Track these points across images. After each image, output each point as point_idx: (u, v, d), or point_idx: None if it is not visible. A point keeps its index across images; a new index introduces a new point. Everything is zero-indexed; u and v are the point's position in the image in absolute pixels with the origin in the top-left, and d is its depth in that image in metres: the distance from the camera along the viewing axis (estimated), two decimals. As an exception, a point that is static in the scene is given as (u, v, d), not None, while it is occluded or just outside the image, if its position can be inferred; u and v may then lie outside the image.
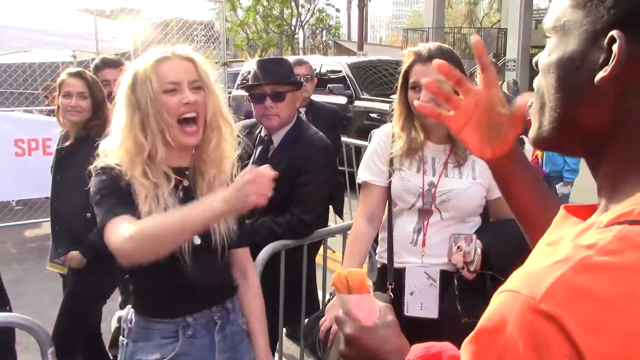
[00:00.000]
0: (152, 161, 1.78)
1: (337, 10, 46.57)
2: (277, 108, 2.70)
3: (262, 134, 2.84)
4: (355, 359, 1.00)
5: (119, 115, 1.82)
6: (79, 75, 3.18)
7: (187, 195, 1.86)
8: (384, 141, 2.38)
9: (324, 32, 47.05)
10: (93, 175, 1.81)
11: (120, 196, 1.74)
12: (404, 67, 2.27)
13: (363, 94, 9.43)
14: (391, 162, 2.34)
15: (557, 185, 5.60)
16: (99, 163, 1.81)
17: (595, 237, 0.61)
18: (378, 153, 2.38)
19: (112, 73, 3.60)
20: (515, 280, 0.63)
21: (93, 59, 4.54)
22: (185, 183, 1.88)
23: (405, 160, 2.32)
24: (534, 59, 0.81)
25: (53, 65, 9.41)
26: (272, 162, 2.73)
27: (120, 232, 1.64)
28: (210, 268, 1.91)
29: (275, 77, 2.73)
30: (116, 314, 2.14)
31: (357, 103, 9.32)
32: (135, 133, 1.77)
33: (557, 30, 0.75)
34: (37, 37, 7.29)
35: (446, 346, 0.90)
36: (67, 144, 3.16)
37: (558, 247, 0.65)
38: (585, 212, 0.75)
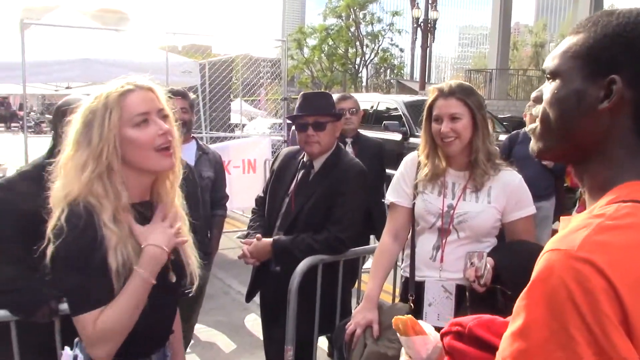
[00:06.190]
0: (118, 202, 1.64)
1: (401, 50, 46.98)
2: (318, 136, 3.00)
3: (305, 159, 3.15)
4: None
5: (76, 156, 1.63)
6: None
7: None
8: (410, 167, 2.65)
9: (388, 71, 47.49)
10: (61, 216, 1.59)
11: (94, 263, 1.57)
12: (428, 102, 2.56)
13: (418, 132, 9.65)
14: (416, 186, 2.61)
15: None
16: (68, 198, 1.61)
17: (601, 210, 0.89)
18: (404, 177, 2.65)
19: (178, 102, 4.01)
20: (552, 244, 0.87)
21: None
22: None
23: (428, 185, 2.57)
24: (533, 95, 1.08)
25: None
26: (313, 184, 3.06)
27: (97, 331, 1.58)
28: (173, 307, 1.94)
29: (317, 109, 3.05)
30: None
31: (411, 140, 9.57)
32: (101, 173, 1.62)
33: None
34: (114, 70, 7.88)
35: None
36: None
37: (574, 221, 0.92)
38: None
